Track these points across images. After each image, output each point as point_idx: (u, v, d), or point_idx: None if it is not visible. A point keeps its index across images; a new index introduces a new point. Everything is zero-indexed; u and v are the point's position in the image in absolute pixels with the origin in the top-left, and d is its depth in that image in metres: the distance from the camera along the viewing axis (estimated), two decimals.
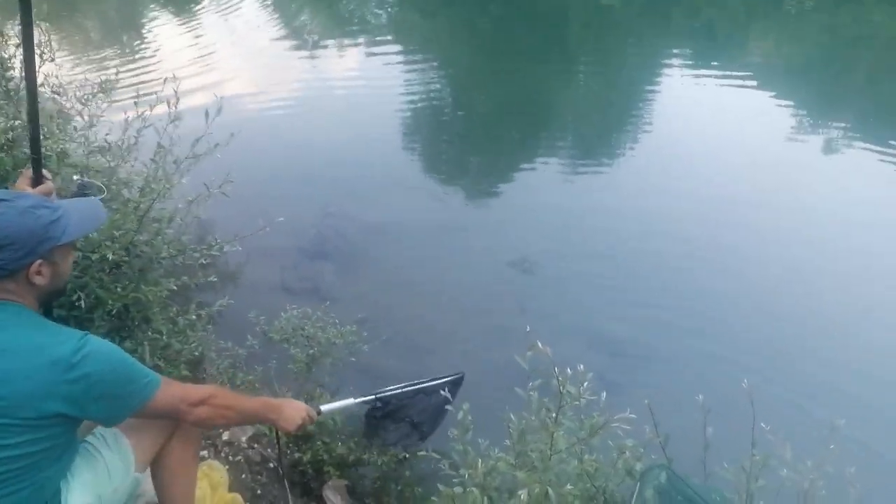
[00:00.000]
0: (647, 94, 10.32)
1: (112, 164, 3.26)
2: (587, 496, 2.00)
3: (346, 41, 11.82)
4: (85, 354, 1.49)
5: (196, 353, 3.13)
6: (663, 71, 11.20)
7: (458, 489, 1.93)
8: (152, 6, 14.38)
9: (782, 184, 6.90)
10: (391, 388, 2.46)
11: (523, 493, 1.79)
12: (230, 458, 2.78)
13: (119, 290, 2.84)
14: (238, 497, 2.57)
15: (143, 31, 12.53)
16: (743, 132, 8.42)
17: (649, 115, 9.45)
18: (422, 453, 2.66)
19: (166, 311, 3.13)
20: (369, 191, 6.22)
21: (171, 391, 1.68)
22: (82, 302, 2.72)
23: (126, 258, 2.86)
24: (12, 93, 3.47)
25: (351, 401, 2.38)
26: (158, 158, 3.20)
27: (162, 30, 12.50)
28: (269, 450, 2.87)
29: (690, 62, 11.57)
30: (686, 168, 7.23)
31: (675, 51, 12.12)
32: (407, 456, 2.85)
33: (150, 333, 2.93)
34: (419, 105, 9.10)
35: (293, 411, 1.98)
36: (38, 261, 1.56)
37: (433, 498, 2.45)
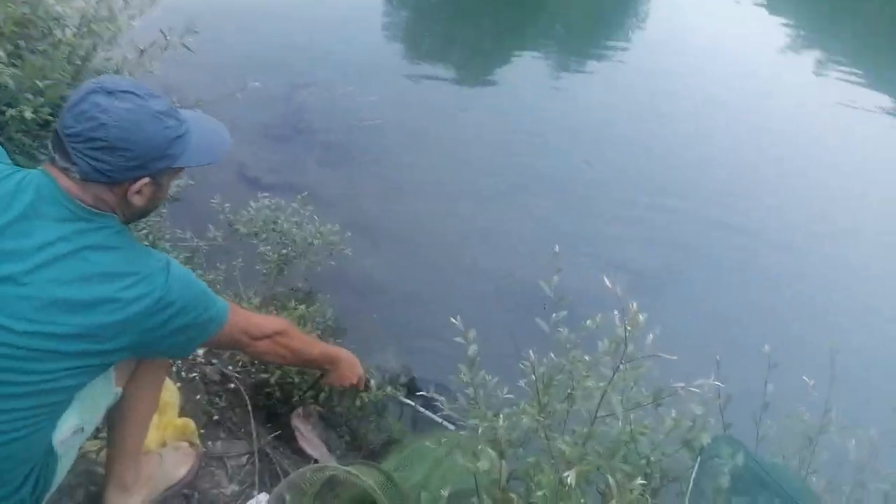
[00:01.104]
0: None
1: None
2: (639, 470, 1.62)
3: None
4: (171, 285, 1.32)
5: (145, 242, 2.57)
6: None
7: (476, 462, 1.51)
8: None
9: (774, 93, 6.64)
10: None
11: (571, 475, 1.38)
12: (183, 374, 2.32)
13: (45, 158, 2.24)
14: (190, 423, 2.13)
15: None
16: (741, 41, 8.08)
17: (644, 15, 8.92)
18: (420, 394, 2.26)
19: None
20: (352, 68, 5.48)
21: (238, 320, 1.52)
22: None
23: (54, 117, 2.23)
24: None
25: (400, 397, 2.41)
26: None
27: None
28: (229, 367, 2.41)
29: None
30: (680, 69, 6.81)
31: None
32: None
33: None
34: None
35: (349, 369, 1.95)
36: (147, 178, 1.31)
37: (427, 443, 2.07)
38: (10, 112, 2.09)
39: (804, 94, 6.91)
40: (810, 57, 8.24)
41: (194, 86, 2.71)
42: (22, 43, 2.46)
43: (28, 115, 2.05)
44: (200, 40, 2.68)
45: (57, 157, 1.25)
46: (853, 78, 7.60)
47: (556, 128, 5.18)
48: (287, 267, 2.76)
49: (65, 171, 1.24)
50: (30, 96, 2.12)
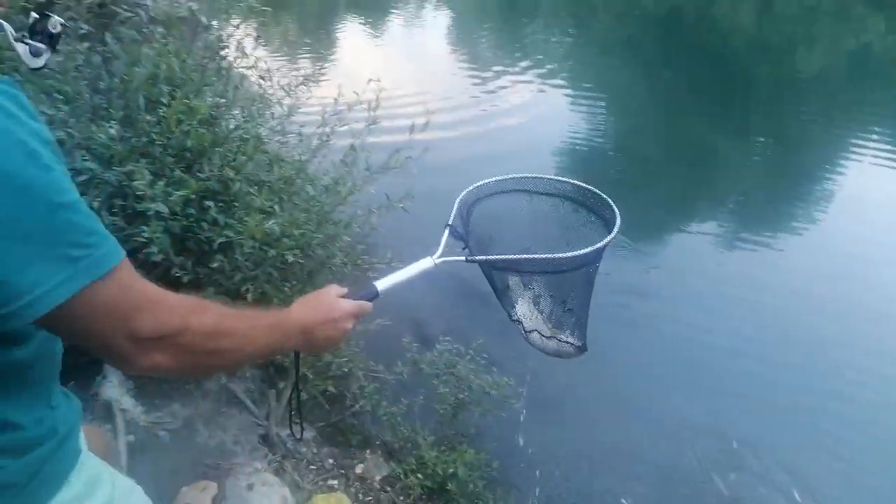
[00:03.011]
0: (827, 175, 9.29)
1: (303, 157, 3.17)
2: None
3: (522, 72, 11.64)
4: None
5: (344, 370, 2.94)
6: (851, 153, 9.95)
7: None
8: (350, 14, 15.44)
9: None
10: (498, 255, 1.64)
11: None
12: (360, 496, 2.54)
13: (287, 289, 2.72)
14: None
15: (339, 35, 13.57)
16: None
17: (824, 199, 8.51)
18: None
19: None
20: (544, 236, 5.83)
21: (123, 292, 0.84)
22: (249, 295, 2.62)
23: (300, 259, 2.73)
24: (223, 71, 3.50)
25: (424, 264, 1.47)
26: (349, 161, 3.07)
27: (359, 37, 13.49)
28: (401, 497, 2.60)
29: (887, 147, 10.23)
30: (855, 268, 6.29)
31: (870, 134, 10.79)
32: None
33: None
34: (580, 140, 8.82)
35: (330, 329, 1.20)
36: None
37: None
38: (271, 252, 2.60)
39: None
40: None
41: (404, 240, 3.09)
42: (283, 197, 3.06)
43: (290, 258, 2.54)
44: (415, 202, 3.16)
45: None
46: None
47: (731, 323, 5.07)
48: (461, 411, 2.96)
49: None
50: (287, 241, 2.63)
